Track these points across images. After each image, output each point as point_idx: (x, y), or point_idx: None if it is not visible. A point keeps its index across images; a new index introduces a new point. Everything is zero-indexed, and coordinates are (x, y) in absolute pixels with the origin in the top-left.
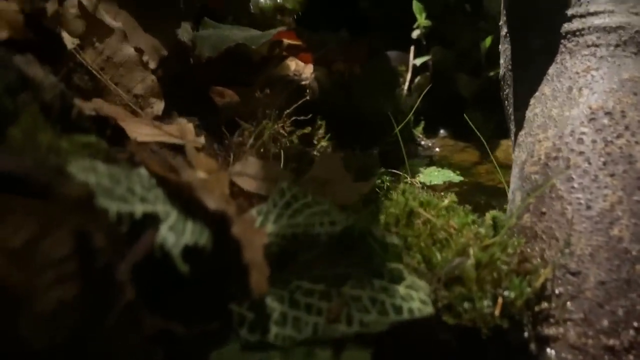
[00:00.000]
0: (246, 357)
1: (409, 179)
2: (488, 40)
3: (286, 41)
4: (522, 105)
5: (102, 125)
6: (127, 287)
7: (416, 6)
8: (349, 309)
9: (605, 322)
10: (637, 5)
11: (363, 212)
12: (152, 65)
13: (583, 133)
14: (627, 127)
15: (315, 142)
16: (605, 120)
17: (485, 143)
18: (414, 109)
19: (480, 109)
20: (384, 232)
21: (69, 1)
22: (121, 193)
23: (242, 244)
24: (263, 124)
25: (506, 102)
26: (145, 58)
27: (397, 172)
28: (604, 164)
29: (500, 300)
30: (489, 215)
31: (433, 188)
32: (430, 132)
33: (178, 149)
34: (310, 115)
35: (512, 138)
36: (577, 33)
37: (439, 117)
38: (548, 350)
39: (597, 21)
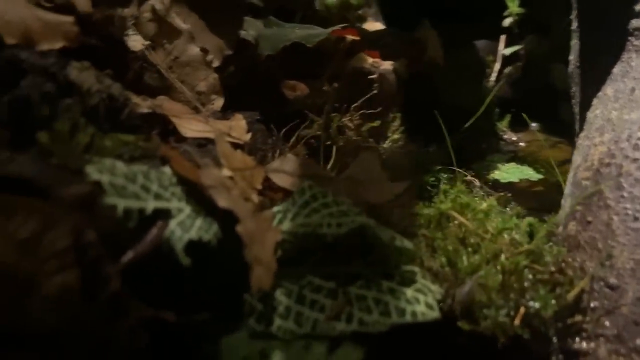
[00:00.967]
0: (252, 345)
1: (469, 176)
2: None
3: (350, 37)
4: (587, 105)
5: (157, 121)
6: (114, 279)
7: None
8: (352, 308)
9: (638, 341)
10: None
11: (395, 213)
12: (216, 63)
13: None
14: None
15: (389, 134)
16: None
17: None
18: (486, 100)
19: None
20: (395, 236)
21: (144, 6)
22: (134, 191)
23: (246, 241)
24: (330, 117)
25: (573, 100)
26: (209, 57)
27: (455, 168)
28: None
29: (522, 310)
30: (525, 222)
31: (508, 186)
32: (519, 126)
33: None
34: (379, 109)
35: (576, 140)
36: None
37: (530, 109)
38: None
39: None
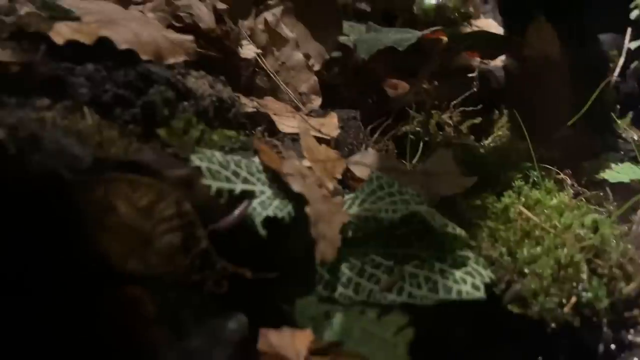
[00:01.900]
0: (319, 307)
1: (562, 175)
2: None
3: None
4: None
5: (263, 119)
6: (203, 239)
7: None
8: (404, 282)
9: None
10: None
11: (462, 205)
12: (317, 67)
13: None
14: None
15: (494, 131)
16: None
17: None
18: (594, 97)
19: None
20: (448, 223)
21: (259, 19)
22: (226, 175)
23: (313, 220)
24: (430, 114)
25: None
26: (311, 61)
27: (548, 166)
28: None
29: (573, 299)
30: (589, 218)
31: (617, 186)
32: None
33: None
34: (480, 106)
35: None
36: None
37: None
38: (629, 355)
39: None
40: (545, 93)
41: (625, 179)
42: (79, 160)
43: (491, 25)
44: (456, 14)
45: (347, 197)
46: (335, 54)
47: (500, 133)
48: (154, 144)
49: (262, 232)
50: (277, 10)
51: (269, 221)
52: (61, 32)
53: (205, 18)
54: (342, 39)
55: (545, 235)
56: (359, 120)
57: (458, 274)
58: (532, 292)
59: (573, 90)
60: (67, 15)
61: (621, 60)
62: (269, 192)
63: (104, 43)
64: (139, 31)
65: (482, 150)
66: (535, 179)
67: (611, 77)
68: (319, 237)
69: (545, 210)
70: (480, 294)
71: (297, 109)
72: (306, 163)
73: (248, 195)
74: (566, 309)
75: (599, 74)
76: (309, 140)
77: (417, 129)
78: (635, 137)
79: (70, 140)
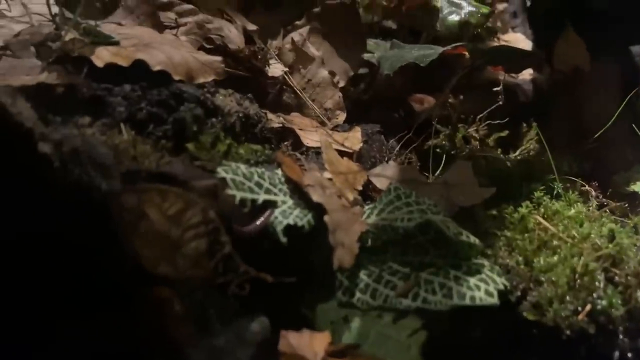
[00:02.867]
0: (338, 312)
1: (587, 186)
2: None
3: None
4: None
5: (289, 134)
6: (227, 245)
7: None
8: (419, 288)
9: None
10: None
11: (480, 215)
12: (342, 84)
13: None
14: None
15: (523, 144)
16: None
17: None
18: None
19: None
20: (462, 232)
21: (286, 38)
22: (249, 186)
23: (331, 229)
24: (456, 128)
25: None
26: (336, 79)
27: (573, 178)
28: None
29: (588, 307)
30: (605, 228)
31: None
32: None
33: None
34: (507, 119)
35: None
36: None
37: None
38: None
39: None
40: (575, 105)
41: None
42: (115, 172)
43: (519, 39)
44: (479, 30)
45: (366, 207)
46: (361, 70)
47: (528, 146)
48: (183, 158)
49: (283, 239)
50: (304, 30)
51: (290, 229)
52: (101, 56)
53: (235, 39)
54: (366, 56)
55: (562, 244)
56: (382, 134)
57: (472, 280)
58: (547, 300)
59: (603, 102)
60: (107, 40)
61: None
62: (290, 202)
63: (140, 65)
64: (171, 53)
65: (506, 163)
66: (559, 191)
67: None
68: (337, 244)
69: (564, 221)
70: (494, 300)
71: (323, 124)
72: (327, 175)
73: (270, 204)
74: (580, 317)
75: (629, 86)
76: (330, 153)
77: (444, 142)
78: None
79: (108, 154)
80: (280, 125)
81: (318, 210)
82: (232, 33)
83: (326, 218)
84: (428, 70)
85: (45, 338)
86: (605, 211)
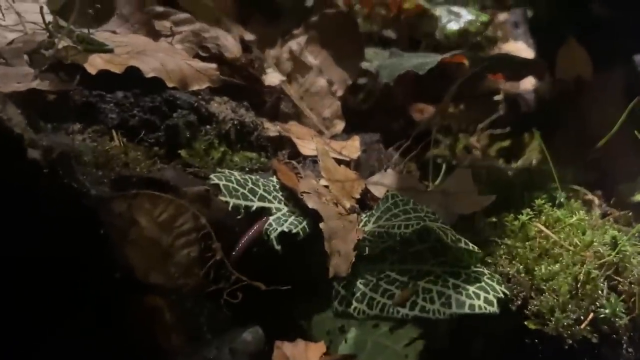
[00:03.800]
0: (334, 322)
1: (590, 195)
2: None
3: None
4: None
5: (286, 142)
6: (218, 252)
7: None
8: (417, 297)
9: None
10: None
11: (481, 223)
12: (340, 93)
13: None
14: None
15: (525, 153)
16: None
17: None
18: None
19: None
20: (460, 239)
21: (284, 47)
22: (243, 192)
23: (326, 236)
24: (456, 137)
25: None
26: (334, 88)
27: (575, 187)
28: None
29: (591, 315)
30: (608, 236)
31: None
32: None
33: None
34: (508, 129)
35: None
36: None
37: None
38: None
39: None
40: (578, 115)
41: None
42: (105, 178)
43: (520, 48)
44: (478, 38)
45: (363, 215)
46: (361, 79)
47: (531, 156)
48: (175, 164)
49: (277, 247)
50: (302, 40)
51: (285, 237)
52: (95, 63)
53: (231, 48)
54: (365, 65)
55: (564, 252)
56: (382, 143)
57: (471, 289)
58: (549, 309)
59: (606, 111)
60: (100, 48)
61: None
62: (285, 209)
63: (133, 72)
64: (165, 61)
65: (508, 173)
66: (562, 200)
67: None
68: (333, 252)
69: (565, 229)
70: (493, 308)
71: (321, 133)
72: (324, 182)
73: (265, 212)
74: (583, 326)
75: (632, 95)
76: (327, 160)
77: (445, 152)
78: None
79: (99, 160)
80: (277, 133)
81: (313, 217)
82: (229, 42)
83: (322, 225)
84: (428, 80)
85: (32, 347)
86: (609, 220)
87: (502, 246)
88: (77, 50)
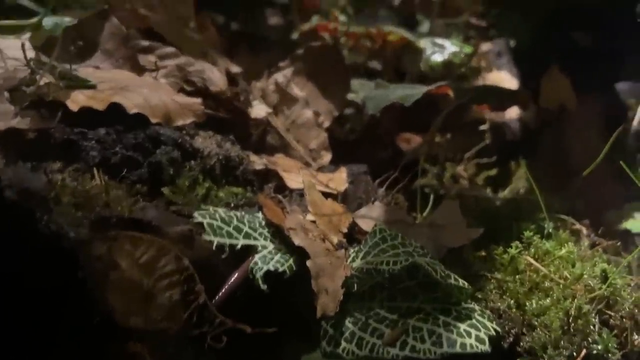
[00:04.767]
0: None
1: (578, 225)
2: None
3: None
4: None
5: (272, 175)
6: (201, 295)
7: None
8: (407, 336)
9: None
10: None
11: (470, 257)
12: (326, 124)
13: None
14: None
15: (512, 182)
16: None
17: None
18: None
19: None
20: (450, 274)
21: (270, 79)
22: (228, 230)
23: (313, 274)
24: (443, 167)
25: None
26: (320, 119)
27: (563, 216)
28: None
29: (584, 352)
30: (598, 268)
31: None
32: None
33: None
34: (494, 158)
35: None
36: None
37: None
38: None
39: None
40: (563, 143)
41: None
42: (85, 218)
43: (504, 78)
44: (463, 69)
45: (351, 250)
46: (348, 110)
47: (518, 184)
48: (158, 202)
49: (263, 286)
50: (288, 71)
51: (271, 275)
52: (77, 100)
53: (217, 81)
54: (351, 96)
55: (554, 286)
56: (369, 174)
57: (462, 326)
58: (541, 345)
59: (590, 139)
60: (83, 84)
61: None
62: (271, 246)
63: (117, 108)
64: (149, 96)
65: (496, 203)
66: (550, 230)
67: (630, 125)
68: (320, 290)
69: (555, 261)
70: (485, 347)
71: (307, 165)
72: (310, 217)
73: (250, 250)
74: None
75: (616, 123)
76: (313, 194)
77: (433, 181)
78: None
79: (78, 200)
80: (264, 166)
81: (300, 254)
82: (215, 75)
83: (309, 263)
84: (415, 110)
85: None
86: (598, 250)
87: (492, 280)
88: (59, 86)
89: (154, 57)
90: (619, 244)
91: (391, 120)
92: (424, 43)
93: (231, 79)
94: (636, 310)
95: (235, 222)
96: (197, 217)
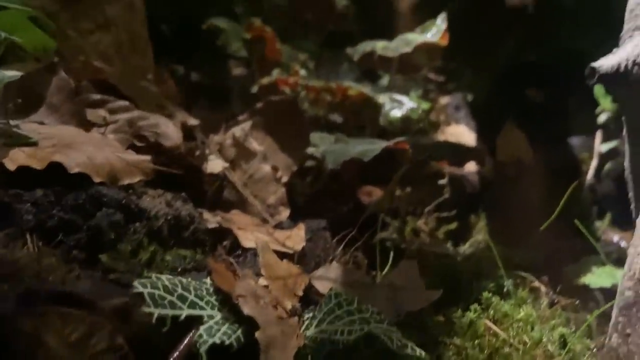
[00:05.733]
0: None
1: (537, 282)
2: None
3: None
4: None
5: (227, 234)
6: None
7: (597, 90)
8: None
9: None
10: None
11: (429, 320)
12: (285, 179)
13: None
14: None
15: (473, 236)
16: None
17: None
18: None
19: None
20: (407, 344)
21: (228, 134)
22: (171, 300)
23: (263, 347)
24: (404, 221)
25: (631, 206)
26: (279, 174)
27: (522, 273)
28: None
29: None
30: (556, 333)
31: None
32: (626, 226)
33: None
34: (454, 211)
35: None
36: None
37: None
38: None
39: None
40: (520, 197)
41: (607, 284)
42: (12, 292)
43: (463, 131)
44: (420, 125)
45: (305, 316)
46: (309, 163)
47: (478, 237)
48: (94, 271)
49: None
50: (247, 125)
51: (217, 349)
52: (15, 158)
53: (172, 135)
54: (311, 150)
55: (513, 352)
56: (328, 230)
57: None
58: None
59: (548, 193)
60: (24, 141)
61: (594, 162)
62: (218, 316)
63: (59, 167)
64: (93, 154)
65: (456, 259)
66: (510, 288)
67: (584, 178)
68: None
69: (514, 324)
70: None
71: (265, 221)
72: (263, 282)
73: (195, 321)
74: None
75: (571, 176)
76: (267, 255)
77: (394, 235)
78: (615, 239)
79: (5, 271)
80: (217, 225)
81: (250, 324)
82: (169, 129)
83: (258, 334)
84: (375, 163)
85: None
86: (557, 309)
87: (451, 346)
88: None
89: (104, 112)
90: (577, 302)
91: (352, 174)
92: (382, 98)
93: (188, 132)
94: None
95: (179, 290)
96: (137, 286)
